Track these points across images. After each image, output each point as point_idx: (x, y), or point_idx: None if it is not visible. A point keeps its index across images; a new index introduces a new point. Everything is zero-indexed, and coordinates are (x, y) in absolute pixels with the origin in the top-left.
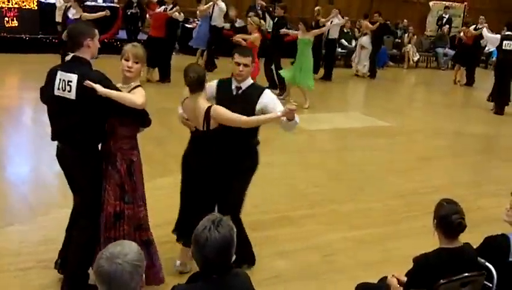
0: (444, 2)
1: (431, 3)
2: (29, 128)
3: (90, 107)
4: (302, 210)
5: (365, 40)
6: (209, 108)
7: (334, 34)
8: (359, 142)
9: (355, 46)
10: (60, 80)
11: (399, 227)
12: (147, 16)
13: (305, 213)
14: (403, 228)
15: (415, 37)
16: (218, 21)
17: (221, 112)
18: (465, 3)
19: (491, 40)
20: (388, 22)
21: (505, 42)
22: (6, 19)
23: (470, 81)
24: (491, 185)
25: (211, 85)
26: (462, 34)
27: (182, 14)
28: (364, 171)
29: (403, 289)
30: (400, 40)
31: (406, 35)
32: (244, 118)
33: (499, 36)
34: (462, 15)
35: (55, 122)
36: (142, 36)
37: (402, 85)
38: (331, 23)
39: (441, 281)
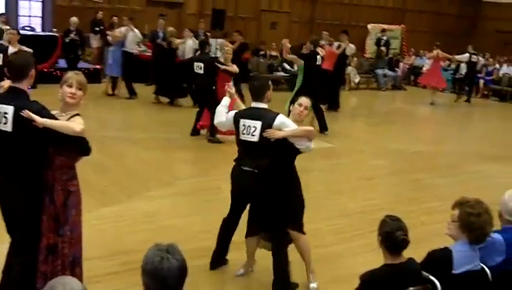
0: (381, 25)
1: (369, 26)
2: None
3: (27, 139)
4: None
5: None
6: None
7: (189, 55)
8: (304, 164)
9: (298, 70)
10: None
11: (346, 246)
12: None
13: None
14: (350, 246)
15: (355, 59)
16: (131, 46)
17: None
18: (402, 25)
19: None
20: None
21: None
22: None
23: (335, 106)
24: (433, 202)
25: None
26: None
27: None
28: (309, 193)
29: None
30: None
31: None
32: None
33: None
34: (399, 37)
35: None
36: (83, 64)
37: (344, 107)
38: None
39: None
